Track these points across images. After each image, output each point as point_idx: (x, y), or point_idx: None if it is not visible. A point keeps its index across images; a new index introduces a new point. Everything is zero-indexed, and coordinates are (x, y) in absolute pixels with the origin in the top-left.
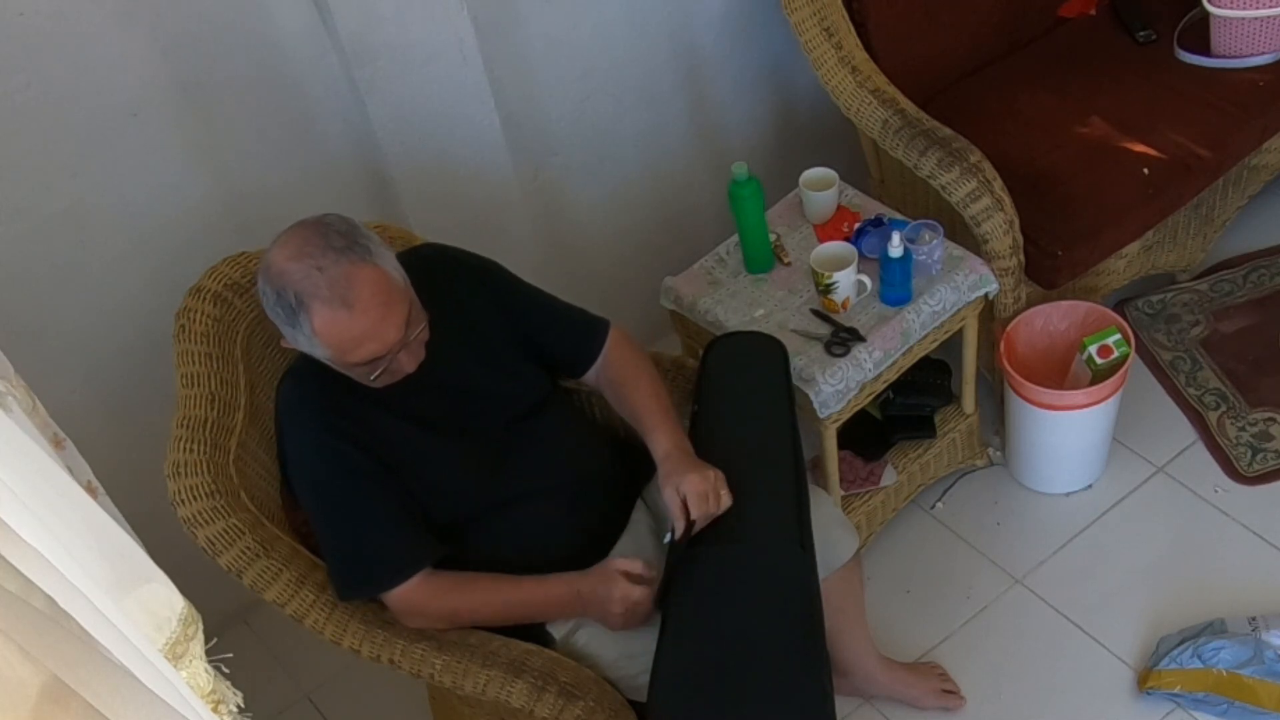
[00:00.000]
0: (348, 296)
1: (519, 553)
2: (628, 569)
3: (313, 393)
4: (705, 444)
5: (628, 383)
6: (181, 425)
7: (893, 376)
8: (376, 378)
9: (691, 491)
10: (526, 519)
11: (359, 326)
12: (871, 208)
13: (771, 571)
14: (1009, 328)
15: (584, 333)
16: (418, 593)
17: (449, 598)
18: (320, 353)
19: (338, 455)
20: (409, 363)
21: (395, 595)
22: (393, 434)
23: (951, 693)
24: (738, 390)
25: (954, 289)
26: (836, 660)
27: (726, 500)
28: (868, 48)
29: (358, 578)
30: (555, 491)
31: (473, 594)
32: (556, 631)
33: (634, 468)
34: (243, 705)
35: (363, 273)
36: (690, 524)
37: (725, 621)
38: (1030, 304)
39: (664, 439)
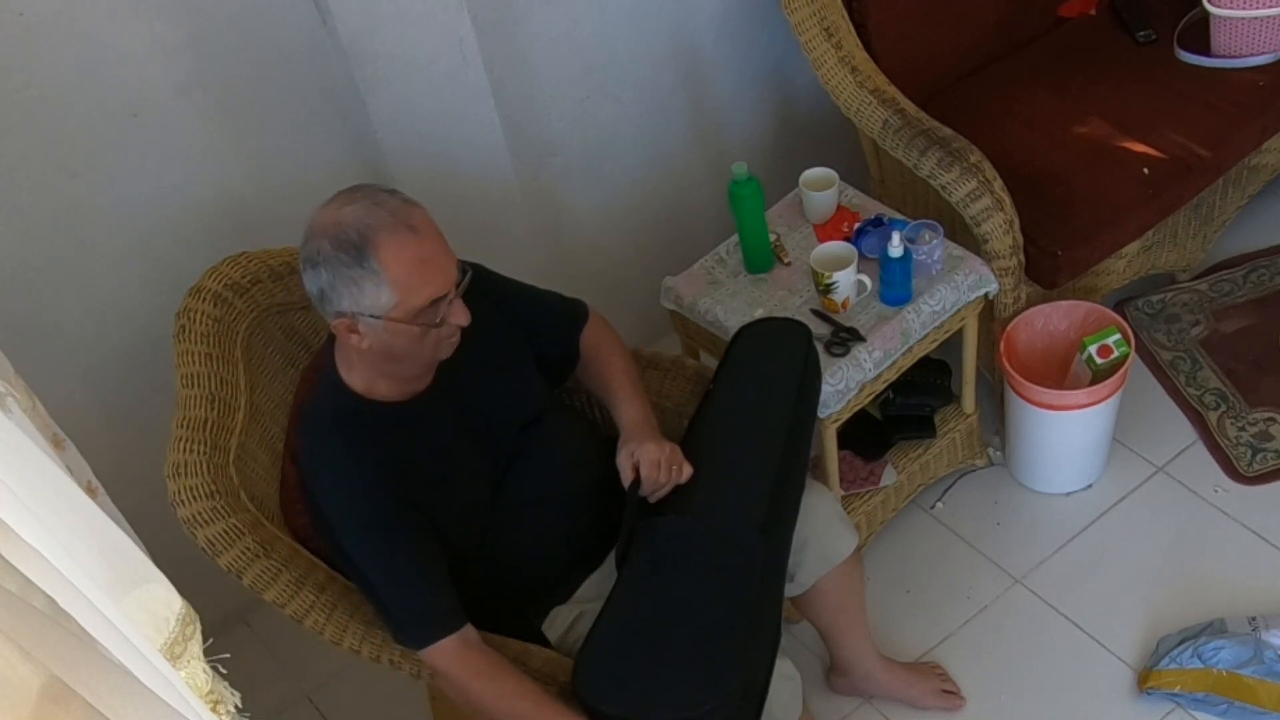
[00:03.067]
0: (411, 222)
1: (525, 560)
2: None
3: (361, 447)
4: (704, 421)
5: (600, 356)
6: (181, 426)
7: (893, 376)
8: (438, 334)
9: (645, 458)
10: (532, 525)
11: (426, 249)
12: (871, 208)
13: (723, 548)
14: (1009, 328)
15: (569, 316)
16: (456, 657)
17: (478, 680)
18: (385, 298)
19: (392, 517)
20: (461, 315)
21: (443, 648)
22: (420, 469)
23: (951, 693)
24: (753, 374)
25: (954, 289)
26: (837, 659)
27: (687, 471)
28: (868, 48)
29: (419, 625)
30: (559, 497)
31: (500, 684)
32: (553, 633)
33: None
34: (242, 705)
35: (414, 206)
36: (637, 480)
37: (667, 590)
38: (1030, 304)
39: (630, 409)
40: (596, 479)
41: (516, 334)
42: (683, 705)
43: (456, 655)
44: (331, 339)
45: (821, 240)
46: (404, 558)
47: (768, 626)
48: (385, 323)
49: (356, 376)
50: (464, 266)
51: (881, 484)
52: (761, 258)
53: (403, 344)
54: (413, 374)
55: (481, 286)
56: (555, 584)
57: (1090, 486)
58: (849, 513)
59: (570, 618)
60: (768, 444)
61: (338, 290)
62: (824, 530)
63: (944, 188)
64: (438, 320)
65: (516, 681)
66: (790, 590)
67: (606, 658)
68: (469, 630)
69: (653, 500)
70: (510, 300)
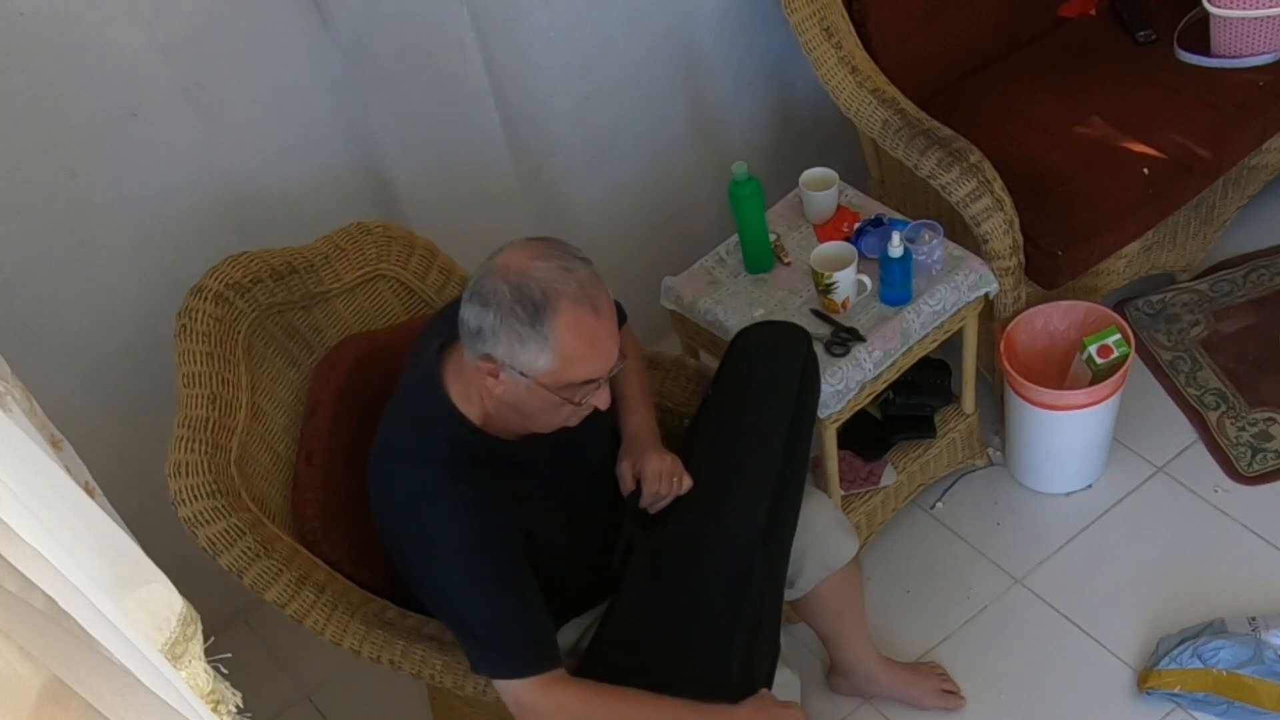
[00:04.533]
0: (595, 300)
1: (569, 581)
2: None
3: (453, 477)
4: (703, 427)
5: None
6: (183, 425)
7: (893, 376)
8: (571, 412)
9: (647, 470)
10: (579, 546)
11: (599, 332)
12: (871, 208)
13: (723, 556)
14: (1009, 328)
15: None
16: (546, 696)
17: (581, 709)
18: (543, 364)
19: (488, 556)
20: (603, 400)
21: (523, 688)
22: (547, 509)
23: (951, 693)
24: (751, 380)
25: (954, 289)
26: (837, 661)
27: (687, 483)
28: (868, 48)
29: (517, 657)
30: (602, 517)
31: (620, 702)
32: (561, 642)
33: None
34: (242, 705)
35: (600, 284)
36: (637, 491)
37: (666, 598)
38: (1030, 304)
39: (635, 418)
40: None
41: None
42: None
43: (556, 688)
44: (432, 365)
45: (821, 240)
46: (511, 599)
47: (767, 634)
48: (531, 383)
49: (475, 410)
50: (621, 355)
51: (881, 484)
52: (761, 258)
53: (537, 406)
54: (533, 429)
55: None
56: (581, 601)
57: (1090, 486)
58: (849, 513)
59: (579, 629)
60: (767, 450)
61: (499, 337)
62: (824, 537)
63: (944, 188)
64: (579, 400)
65: (627, 698)
66: (790, 595)
67: (607, 666)
68: (561, 670)
69: (652, 512)
70: None
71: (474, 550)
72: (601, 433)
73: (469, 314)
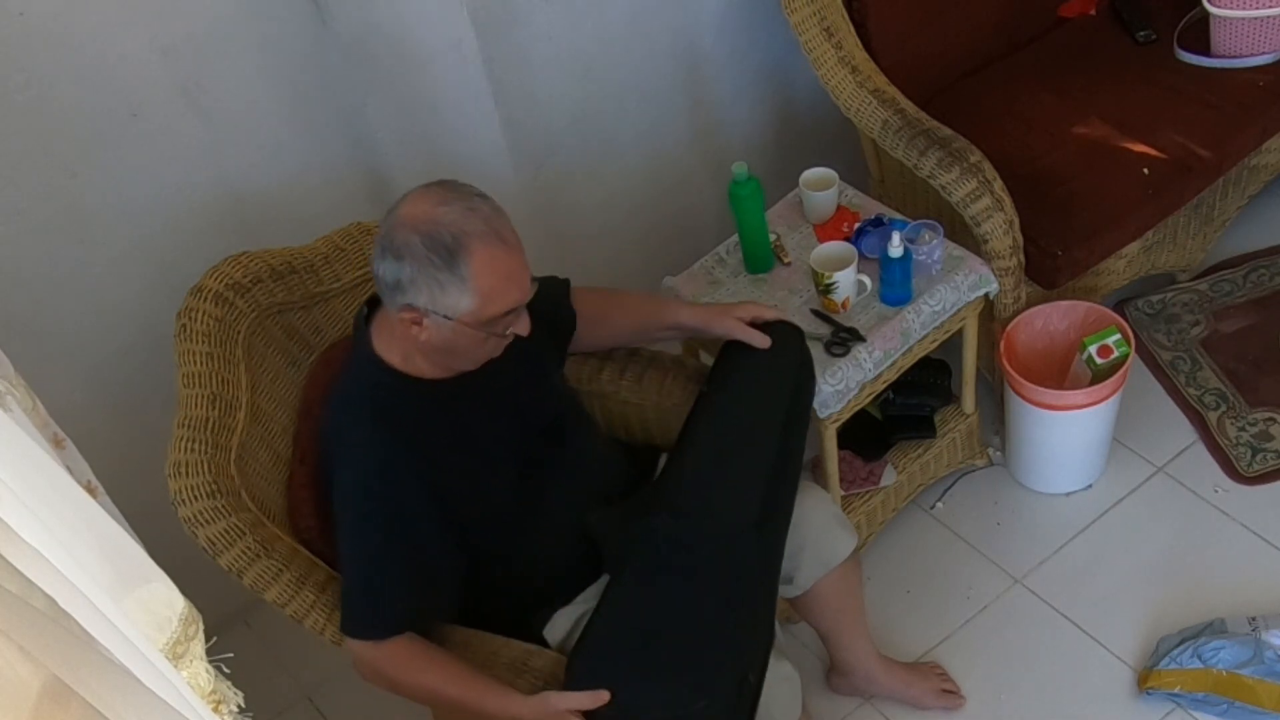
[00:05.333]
0: (502, 233)
1: (541, 565)
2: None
3: (392, 424)
4: (698, 421)
5: (609, 303)
6: (183, 425)
7: (893, 376)
8: (499, 340)
9: (743, 313)
10: (553, 531)
11: (514, 262)
12: (871, 208)
13: (717, 548)
14: (1009, 328)
15: (557, 289)
16: (387, 653)
17: (409, 666)
18: (465, 304)
19: (395, 506)
20: (524, 326)
21: (365, 647)
22: (450, 459)
23: (951, 692)
24: (747, 375)
25: (954, 289)
26: (837, 660)
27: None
28: (868, 48)
29: (363, 619)
30: (580, 504)
31: (433, 674)
32: (554, 635)
33: (641, 474)
34: (243, 705)
35: (504, 217)
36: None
37: (660, 590)
38: (1030, 304)
39: (682, 309)
40: (612, 485)
41: (542, 327)
42: (675, 705)
43: (388, 655)
44: (360, 325)
45: (821, 240)
46: (390, 555)
47: (761, 626)
48: (455, 324)
49: (396, 354)
50: (533, 280)
51: (881, 484)
52: (761, 258)
53: (464, 344)
54: (461, 368)
55: None
56: (564, 589)
57: (1090, 486)
58: (848, 513)
59: (571, 619)
60: (762, 445)
61: (417, 286)
62: (822, 533)
63: (944, 188)
64: (504, 330)
65: (448, 664)
66: (789, 592)
67: (599, 658)
68: (402, 638)
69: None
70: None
71: (371, 494)
72: (549, 394)
73: (384, 269)
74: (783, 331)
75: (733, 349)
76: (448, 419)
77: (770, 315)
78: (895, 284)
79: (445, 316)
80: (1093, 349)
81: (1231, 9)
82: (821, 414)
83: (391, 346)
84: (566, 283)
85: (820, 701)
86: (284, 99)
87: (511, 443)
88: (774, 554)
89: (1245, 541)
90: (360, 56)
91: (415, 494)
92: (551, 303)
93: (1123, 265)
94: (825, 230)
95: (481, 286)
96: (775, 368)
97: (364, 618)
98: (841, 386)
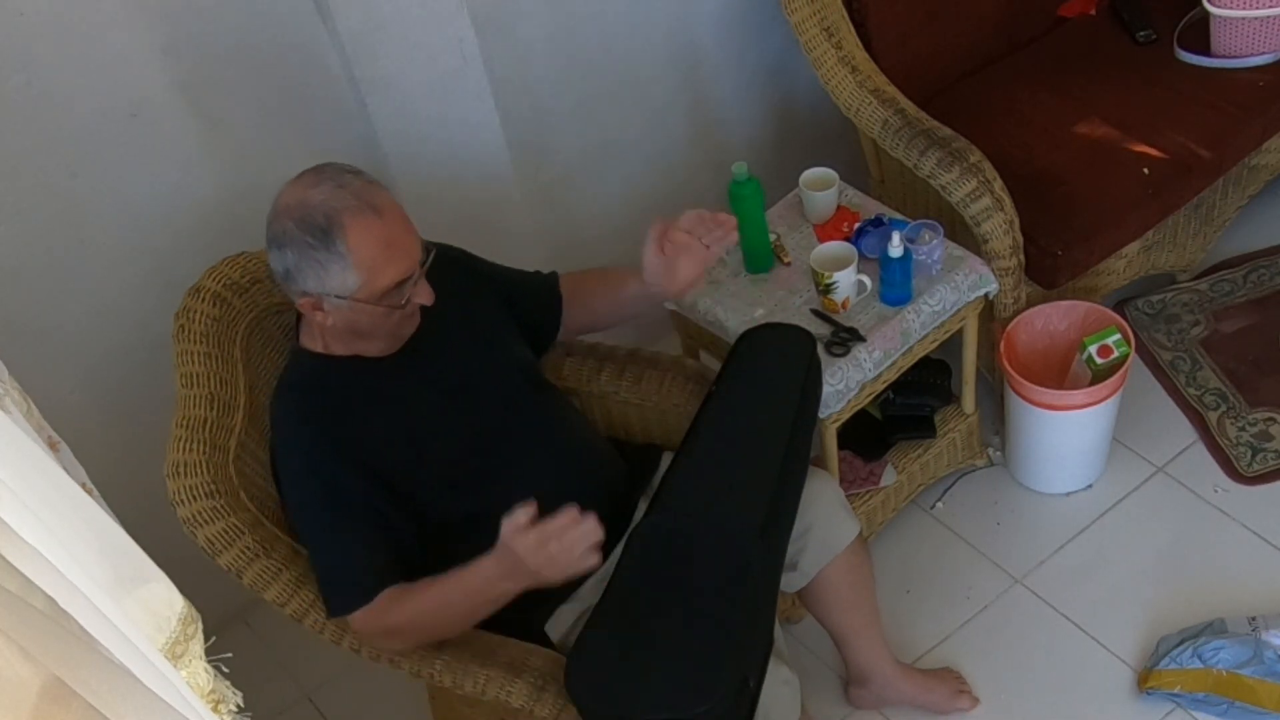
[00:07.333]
0: (375, 204)
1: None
2: (520, 521)
3: (313, 407)
4: (705, 422)
5: (588, 280)
6: (181, 425)
7: (893, 376)
8: (402, 313)
9: (680, 221)
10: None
11: (391, 231)
12: (871, 208)
13: (720, 550)
14: (1009, 328)
15: (544, 287)
16: (380, 609)
17: (401, 607)
18: (351, 281)
19: (329, 480)
20: (425, 294)
21: (359, 617)
22: (382, 430)
23: (965, 693)
24: (755, 379)
25: (954, 289)
26: (852, 665)
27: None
28: (868, 47)
29: (343, 592)
30: (566, 490)
31: (421, 598)
32: (555, 632)
33: (632, 471)
34: (242, 705)
35: (378, 187)
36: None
37: (661, 591)
38: (1030, 304)
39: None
40: (606, 477)
41: (494, 305)
42: (675, 706)
43: (381, 611)
44: (298, 321)
45: (821, 240)
46: (342, 525)
47: (762, 629)
48: (350, 303)
49: (317, 341)
50: (428, 246)
51: (881, 484)
52: (761, 258)
53: (367, 322)
54: (377, 347)
55: (454, 259)
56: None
57: (1090, 486)
58: None
59: (574, 616)
60: (768, 448)
61: (303, 271)
62: (827, 517)
63: (944, 188)
64: (403, 301)
65: (428, 582)
66: (795, 581)
67: (599, 657)
68: (386, 593)
69: (708, 243)
70: (489, 274)
71: (308, 476)
72: (506, 367)
73: (273, 261)
74: (795, 337)
75: (742, 351)
76: (381, 394)
77: (681, 228)
78: (895, 284)
79: (338, 297)
80: (1093, 349)
81: (1231, 9)
82: (822, 414)
83: (313, 335)
84: (554, 274)
85: (823, 705)
86: (284, 99)
87: (459, 414)
88: (776, 559)
89: (1245, 541)
90: (360, 56)
91: (348, 471)
92: (519, 284)
93: (1123, 265)
94: (825, 230)
95: (363, 260)
96: (785, 373)
97: (344, 590)
98: (841, 386)
